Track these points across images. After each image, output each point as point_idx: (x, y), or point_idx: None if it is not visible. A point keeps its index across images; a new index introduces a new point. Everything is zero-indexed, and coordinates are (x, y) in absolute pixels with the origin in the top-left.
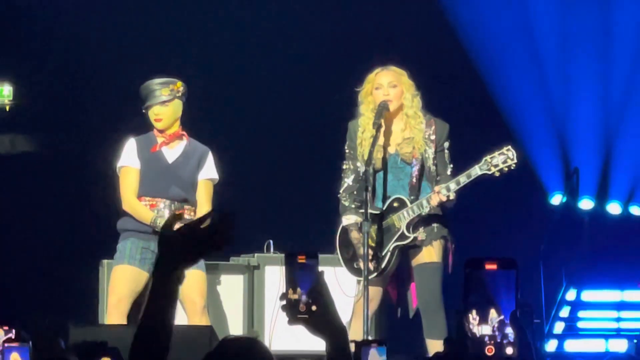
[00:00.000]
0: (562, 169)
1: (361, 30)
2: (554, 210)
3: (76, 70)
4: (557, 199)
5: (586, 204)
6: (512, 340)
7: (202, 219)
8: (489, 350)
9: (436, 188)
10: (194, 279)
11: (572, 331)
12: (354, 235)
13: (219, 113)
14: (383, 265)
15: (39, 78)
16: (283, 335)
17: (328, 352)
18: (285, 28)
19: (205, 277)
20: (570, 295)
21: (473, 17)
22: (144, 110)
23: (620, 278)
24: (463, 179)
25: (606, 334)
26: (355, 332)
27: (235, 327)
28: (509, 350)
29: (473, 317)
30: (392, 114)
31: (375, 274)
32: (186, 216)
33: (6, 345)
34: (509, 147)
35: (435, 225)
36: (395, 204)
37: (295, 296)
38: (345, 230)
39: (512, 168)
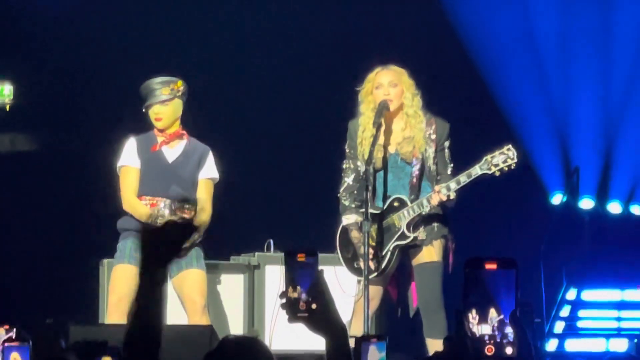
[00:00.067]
0: (562, 169)
1: (361, 29)
2: (554, 210)
3: (76, 69)
4: (557, 199)
5: (586, 203)
6: (511, 340)
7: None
8: (489, 350)
9: (436, 187)
10: (194, 278)
11: (572, 330)
12: (354, 234)
13: (219, 112)
14: (383, 265)
15: (39, 77)
16: (283, 334)
17: (328, 351)
18: (285, 27)
19: (205, 276)
20: (571, 294)
21: (473, 16)
22: (144, 110)
23: (620, 277)
24: (463, 179)
25: (606, 334)
26: (356, 332)
27: (236, 326)
28: (509, 350)
29: (473, 316)
30: (392, 113)
31: (375, 273)
32: (186, 215)
33: (6, 344)
34: (510, 146)
35: (435, 224)
36: (396, 204)
37: (295, 294)
38: (346, 230)
39: (513, 167)
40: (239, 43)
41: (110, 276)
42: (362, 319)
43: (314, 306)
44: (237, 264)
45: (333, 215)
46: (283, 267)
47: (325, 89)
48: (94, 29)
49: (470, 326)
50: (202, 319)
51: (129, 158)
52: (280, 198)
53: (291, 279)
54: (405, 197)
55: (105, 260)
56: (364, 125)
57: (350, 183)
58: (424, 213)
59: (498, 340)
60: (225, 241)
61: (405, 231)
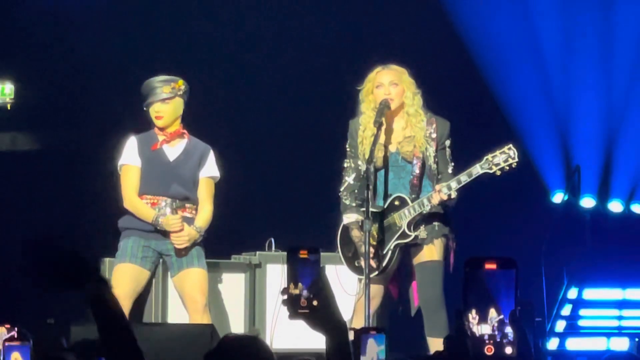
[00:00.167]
0: (563, 167)
1: (362, 29)
2: (555, 209)
3: (77, 69)
4: (558, 197)
5: (588, 202)
6: (511, 340)
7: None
8: (489, 350)
9: (437, 187)
10: (195, 277)
11: (573, 329)
12: (355, 233)
13: (220, 111)
14: (384, 264)
15: (40, 77)
16: (284, 333)
17: (328, 348)
18: (286, 27)
19: (206, 275)
20: (572, 293)
21: (474, 16)
22: (144, 108)
23: (621, 276)
24: (464, 178)
25: (608, 332)
26: None
27: (237, 325)
28: (509, 350)
29: (473, 316)
30: (393, 112)
31: (376, 272)
32: (187, 214)
33: (7, 344)
34: (510, 145)
35: (436, 223)
36: (396, 203)
37: (297, 291)
38: (346, 229)
39: (514, 167)
40: (239, 43)
41: (112, 275)
42: (362, 317)
43: (315, 303)
44: (238, 263)
45: (334, 214)
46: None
47: (326, 88)
48: (95, 28)
49: (470, 326)
50: (203, 318)
51: (129, 157)
52: (281, 197)
53: (293, 276)
54: (406, 196)
55: (107, 260)
56: (364, 124)
57: (351, 182)
58: (424, 212)
59: (498, 340)
60: (226, 240)
61: (406, 230)
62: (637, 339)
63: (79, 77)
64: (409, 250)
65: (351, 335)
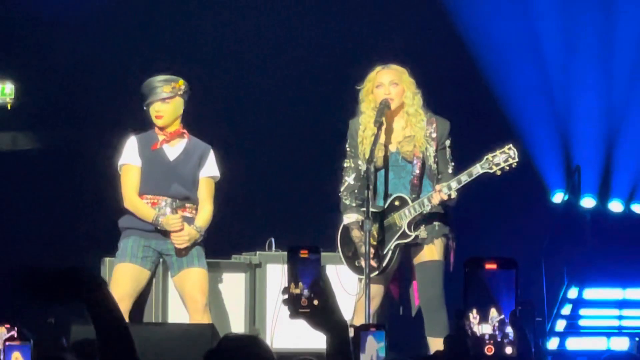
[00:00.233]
0: (563, 167)
1: (362, 28)
2: (555, 209)
3: (77, 68)
4: (559, 197)
5: (588, 202)
6: (512, 340)
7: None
8: (489, 350)
9: (437, 186)
10: (195, 277)
11: (573, 329)
12: (355, 233)
13: (220, 111)
14: (384, 264)
15: (40, 77)
16: (284, 333)
17: (328, 347)
18: (286, 27)
19: (207, 275)
20: (572, 293)
21: (475, 16)
22: (145, 108)
23: (622, 276)
24: (464, 178)
25: (608, 332)
26: None
27: (237, 325)
28: (509, 350)
29: (473, 316)
30: (393, 112)
31: (376, 272)
32: (187, 214)
33: (7, 344)
34: (511, 145)
35: (436, 223)
36: (397, 203)
37: (297, 290)
38: (347, 229)
39: (514, 167)
40: (240, 43)
41: (112, 275)
42: (363, 317)
43: (315, 302)
44: (238, 263)
45: (334, 214)
46: (284, 266)
47: (326, 87)
48: (96, 27)
49: (471, 325)
50: (203, 318)
51: (130, 156)
52: (282, 197)
53: (294, 275)
54: (406, 196)
55: (107, 259)
56: (364, 124)
57: (351, 182)
58: (425, 212)
59: (499, 340)
60: (227, 240)
61: (407, 230)
62: (637, 339)
63: (79, 77)
64: (409, 250)
65: (351, 332)
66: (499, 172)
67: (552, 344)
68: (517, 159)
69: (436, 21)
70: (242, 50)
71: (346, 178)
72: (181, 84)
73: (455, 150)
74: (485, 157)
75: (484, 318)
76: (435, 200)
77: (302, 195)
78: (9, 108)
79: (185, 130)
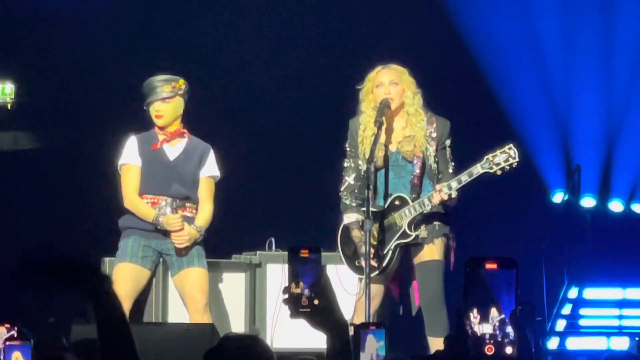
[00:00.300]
0: (563, 167)
1: (362, 29)
2: (556, 208)
3: (78, 68)
4: (559, 197)
5: (588, 201)
6: (512, 340)
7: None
8: (489, 350)
9: (437, 186)
10: (195, 276)
11: (574, 329)
12: (356, 233)
13: (220, 111)
14: (385, 263)
15: (40, 76)
16: (284, 333)
17: (329, 347)
18: (286, 26)
19: (207, 274)
20: (572, 292)
21: (475, 16)
22: (145, 107)
23: (622, 276)
24: (465, 178)
25: (608, 332)
26: None
27: (237, 324)
28: (509, 350)
29: (474, 315)
30: (393, 111)
31: (377, 272)
32: (188, 214)
33: (8, 343)
34: (511, 145)
35: (436, 223)
36: (397, 202)
37: (298, 290)
38: (347, 229)
39: (514, 166)
40: (240, 42)
41: (112, 275)
42: (363, 317)
43: (316, 302)
44: (238, 263)
45: (334, 214)
46: (284, 266)
47: (326, 87)
48: (96, 27)
49: (472, 325)
50: (203, 318)
51: (130, 156)
52: (282, 197)
53: (294, 275)
54: (406, 196)
55: (107, 259)
56: (364, 123)
57: (351, 182)
58: (425, 212)
59: (499, 339)
60: (227, 239)
61: (407, 230)
62: (637, 338)
63: (79, 76)
64: (409, 249)
65: (351, 331)
66: (499, 172)
67: (552, 343)
68: (517, 159)
69: (436, 21)
70: (242, 50)
71: (346, 178)
72: (181, 83)
73: (455, 150)
74: (486, 157)
75: (484, 318)
76: (436, 200)
77: (302, 195)
78: (10, 108)
79: (185, 130)
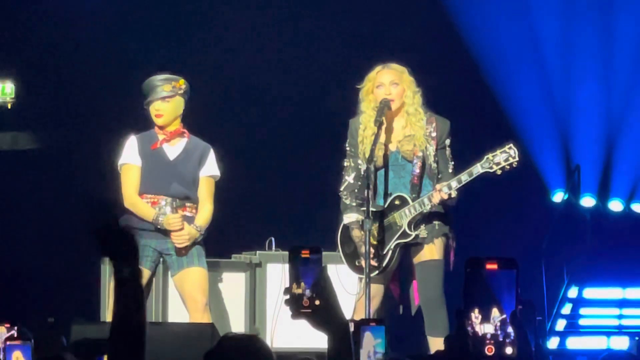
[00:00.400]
0: (563, 167)
1: (362, 28)
2: (555, 208)
3: (78, 68)
4: (558, 197)
5: (588, 201)
6: (513, 340)
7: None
8: (489, 350)
9: (437, 186)
10: (195, 276)
11: (573, 328)
12: (356, 233)
13: (221, 111)
14: (385, 263)
15: (40, 76)
16: (284, 332)
17: (330, 347)
18: (286, 26)
19: (206, 274)
20: (572, 292)
21: (475, 15)
22: (145, 107)
23: (622, 275)
24: (465, 177)
25: (608, 332)
26: None
27: (237, 324)
28: (509, 350)
29: (475, 315)
30: (393, 111)
31: (376, 271)
32: (188, 213)
33: (8, 343)
34: (511, 144)
35: (436, 223)
36: (397, 202)
37: (299, 291)
38: (347, 228)
39: (514, 166)
40: (240, 42)
41: (112, 274)
42: (363, 317)
43: (317, 302)
44: (238, 262)
45: (334, 214)
46: (284, 265)
47: (326, 87)
48: (96, 26)
49: (474, 325)
50: (203, 317)
51: (130, 156)
52: (282, 196)
53: (295, 275)
54: (406, 195)
55: (107, 259)
56: (364, 123)
57: (351, 181)
58: (425, 211)
59: (500, 339)
60: (227, 239)
61: (407, 229)
62: (637, 338)
63: (80, 76)
64: (409, 249)
65: (351, 327)
66: (499, 172)
67: (552, 343)
68: (517, 158)
69: (436, 21)
70: (243, 49)
71: (346, 177)
72: (182, 83)
73: (455, 149)
74: (486, 157)
75: (485, 318)
76: (436, 199)
77: (302, 194)
78: (9, 108)
79: (185, 130)
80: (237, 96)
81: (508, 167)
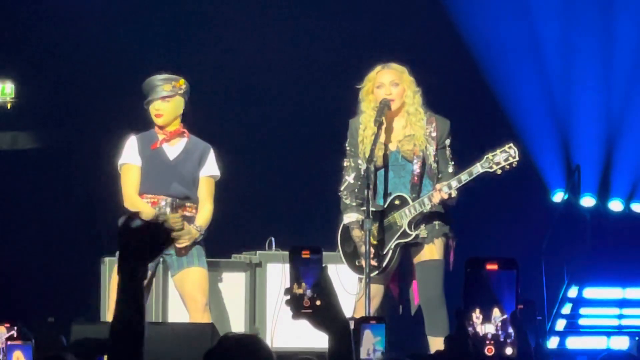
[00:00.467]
0: (563, 167)
1: (362, 28)
2: (555, 208)
3: (78, 68)
4: (559, 197)
5: (588, 201)
6: (513, 340)
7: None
8: (489, 350)
9: (437, 186)
10: (195, 276)
11: (573, 328)
12: (356, 233)
13: (221, 111)
14: (385, 263)
15: (40, 76)
16: (284, 332)
17: (330, 347)
18: (286, 26)
19: (206, 274)
20: (572, 292)
21: (475, 15)
22: (145, 106)
23: (622, 275)
24: (465, 177)
25: (608, 331)
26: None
27: (237, 324)
28: (509, 350)
29: (476, 315)
30: (393, 111)
31: (376, 271)
32: (188, 213)
33: (9, 343)
34: (511, 144)
35: (436, 222)
36: (397, 202)
37: (300, 291)
38: (347, 228)
39: (514, 166)
40: (240, 42)
41: (112, 274)
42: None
43: (318, 303)
44: (238, 262)
45: (334, 214)
46: (284, 265)
47: (326, 87)
48: (96, 26)
49: (475, 325)
50: (203, 317)
51: (130, 156)
52: (282, 196)
53: (296, 276)
54: (406, 195)
55: (107, 259)
56: (365, 123)
57: (351, 181)
58: (425, 211)
59: (501, 340)
60: (227, 239)
61: (407, 229)
62: (637, 338)
63: (80, 76)
64: (409, 249)
65: (351, 325)
66: (499, 171)
67: (552, 343)
68: (517, 158)
69: (437, 21)
70: (243, 49)
71: (346, 177)
72: (182, 83)
73: (455, 149)
74: (486, 156)
75: (486, 318)
76: (436, 199)
77: (302, 194)
78: (9, 108)
79: (185, 130)
80: (237, 96)
81: (508, 166)
